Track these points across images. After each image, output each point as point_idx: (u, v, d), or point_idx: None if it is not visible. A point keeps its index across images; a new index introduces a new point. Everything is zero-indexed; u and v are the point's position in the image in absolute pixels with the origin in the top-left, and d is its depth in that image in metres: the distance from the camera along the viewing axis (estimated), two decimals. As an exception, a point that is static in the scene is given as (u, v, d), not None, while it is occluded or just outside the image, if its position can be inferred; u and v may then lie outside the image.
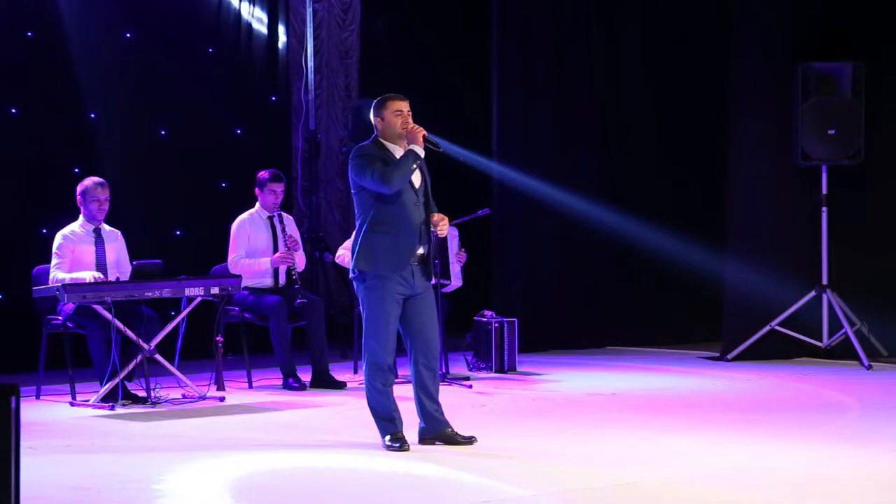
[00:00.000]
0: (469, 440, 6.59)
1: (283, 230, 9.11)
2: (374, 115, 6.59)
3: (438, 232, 6.59)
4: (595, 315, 11.57)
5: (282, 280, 9.13)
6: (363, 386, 6.46)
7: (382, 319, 6.43)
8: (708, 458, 6.31)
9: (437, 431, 6.59)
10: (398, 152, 6.51)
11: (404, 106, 6.56)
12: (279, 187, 9.15)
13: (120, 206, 8.79)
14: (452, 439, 6.57)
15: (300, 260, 9.22)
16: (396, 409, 6.52)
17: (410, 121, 6.54)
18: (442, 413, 6.62)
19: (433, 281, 6.66)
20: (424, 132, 6.50)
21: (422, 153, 6.49)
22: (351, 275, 6.57)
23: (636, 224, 11.18)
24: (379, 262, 6.42)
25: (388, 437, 6.46)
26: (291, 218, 9.37)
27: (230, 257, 9.08)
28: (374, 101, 6.63)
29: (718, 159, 10.81)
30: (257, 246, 9.10)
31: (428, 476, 5.95)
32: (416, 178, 6.52)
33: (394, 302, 6.44)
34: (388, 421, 6.49)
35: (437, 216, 6.58)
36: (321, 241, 11.27)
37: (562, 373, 9.78)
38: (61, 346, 8.41)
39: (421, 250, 6.50)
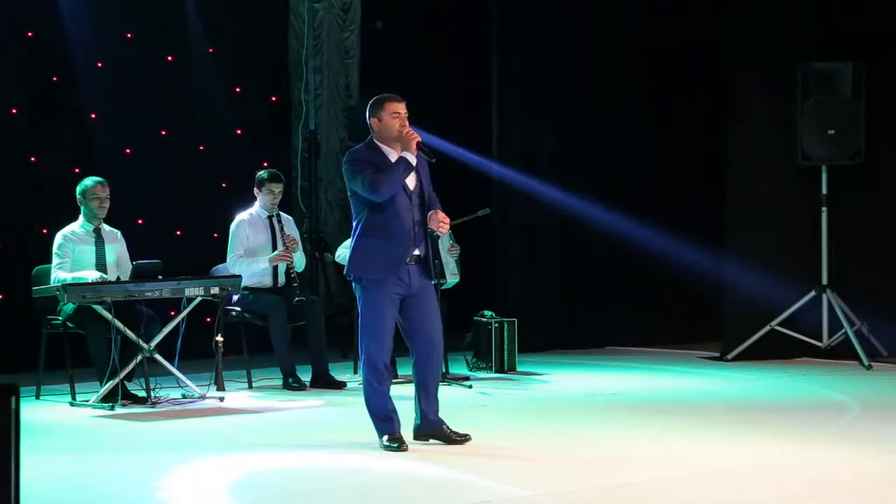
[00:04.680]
0: (463, 438, 6.59)
1: (282, 230, 9.11)
2: (371, 116, 6.51)
3: (439, 231, 6.56)
4: (595, 315, 11.56)
5: (281, 280, 9.13)
6: (362, 386, 6.50)
7: (378, 318, 6.42)
8: (708, 458, 6.31)
9: (431, 429, 6.59)
10: (393, 155, 6.46)
11: (402, 108, 6.48)
12: (277, 187, 9.15)
13: (120, 206, 8.79)
14: (448, 437, 6.57)
15: (299, 261, 9.22)
16: (394, 410, 6.51)
17: (407, 124, 6.48)
18: (437, 412, 6.60)
19: (433, 280, 6.64)
20: (419, 139, 6.45)
21: (413, 161, 6.42)
22: (348, 276, 6.58)
23: (636, 224, 11.17)
24: (371, 267, 6.41)
25: (385, 437, 6.46)
26: (290, 218, 9.37)
27: (229, 257, 9.08)
28: (371, 101, 6.56)
29: (718, 159, 10.80)
30: (256, 245, 9.09)
31: (427, 476, 5.95)
32: (411, 181, 6.47)
33: (389, 301, 6.43)
34: (385, 421, 6.48)
35: (440, 215, 6.51)
36: (321, 241, 11.26)
37: (562, 373, 9.78)
38: (61, 346, 8.41)
39: (416, 252, 6.48)
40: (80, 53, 10.14)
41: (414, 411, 6.62)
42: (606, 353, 11.17)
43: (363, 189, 6.38)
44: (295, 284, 9.07)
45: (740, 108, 10.50)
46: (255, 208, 9.20)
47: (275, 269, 9.11)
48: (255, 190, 9.17)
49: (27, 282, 8.56)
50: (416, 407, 6.61)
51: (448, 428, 6.60)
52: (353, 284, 6.57)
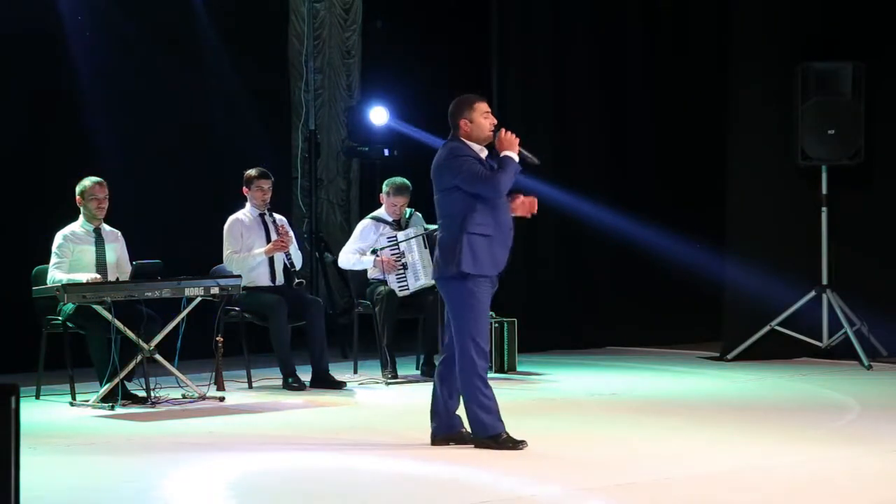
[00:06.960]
0: None
1: (274, 222, 9.14)
2: (459, 117, 6.45)
3: (531, 212, 6.73)
4: (595, 315, 11.56)
5: (280, 279, 9.13)
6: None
7: (484, 316, 6.45)
8: (708, 458, 6.32)
9: (451, 432, 6.55)
10: (483, 153, 6.50)
11: (488, 107, 6.52)
12: (266, 184, 9.16)
13: (120, 206, 8.79)
14: (467, 440, 6.54)
15: (295, 255, 9.20)
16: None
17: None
18: (457, 411, 6.57)
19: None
20: (519, 140, 6.46)
21: (517, 159, 6.44)
22: (446, 274, 6.43)
23: (636, 224, 11.17)
24: (484, 264, 6.43)
25: (504, 435, 6.40)
26: (284, 219, 9.37)
27: (225, 254, 9.08)
28: (457, 102, 6.50)
29: (718, 159, 10.80)
30: (251, 243, 9.10)
31: (428, 476, 5.96)
32: None
33: (490, 299, 6.51)
34: (497, 415, 6.44)
35: (524, 199, 6.64)
36: (321, 241, 11.26)
37: (562, 373, 9.78)
38: (61, 346, 8.41)
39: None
40: (80, 53, 10.14)
41: (431, 415, 6.57)
42: (606, 353, 11.17)
43: (482, 186, 6.38)
44: (294, 270, 9.09)
45: (740, 108, 10.50)
46: (247, 207, 9.21)
47: (273, 267, 9.11)
48: (245, 189, 9.19)
49: (27, 282, 8.56)
50: (438, 408, 6.53)
51: (468, 431, 6.55)
52: (452, 283, 6.42)
